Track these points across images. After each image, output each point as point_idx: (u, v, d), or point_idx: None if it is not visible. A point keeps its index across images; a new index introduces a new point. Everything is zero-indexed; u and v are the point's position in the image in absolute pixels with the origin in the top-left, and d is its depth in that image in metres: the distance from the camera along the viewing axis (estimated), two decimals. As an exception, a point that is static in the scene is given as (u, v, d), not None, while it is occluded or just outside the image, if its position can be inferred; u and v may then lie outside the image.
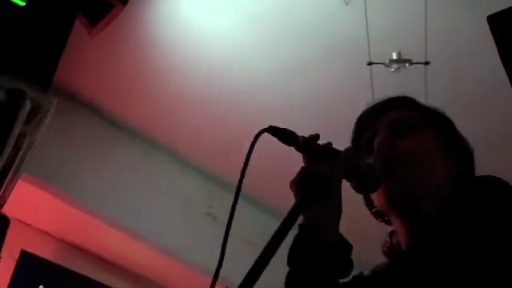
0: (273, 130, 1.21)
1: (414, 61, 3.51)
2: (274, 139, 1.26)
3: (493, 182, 1.24)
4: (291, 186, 1.24)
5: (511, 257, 1.11)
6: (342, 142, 1.32)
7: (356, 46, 3.67)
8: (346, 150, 1.27)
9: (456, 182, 1.34)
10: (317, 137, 1.26)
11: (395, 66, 3.51)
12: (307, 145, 1.24)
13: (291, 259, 1.22)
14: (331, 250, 1.19)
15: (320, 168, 1.23)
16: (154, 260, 5.13)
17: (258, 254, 1.13)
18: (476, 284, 1.10)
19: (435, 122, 1.41)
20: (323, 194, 1.21)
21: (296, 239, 1.22)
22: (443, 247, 1.15)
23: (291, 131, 1.23)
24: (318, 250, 1.19)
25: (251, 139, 1.20)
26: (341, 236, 1.25)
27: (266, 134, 1.22)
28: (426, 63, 3.53)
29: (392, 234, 1.40)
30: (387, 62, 3.52)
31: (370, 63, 3.55)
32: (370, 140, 1.38)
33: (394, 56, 3.52)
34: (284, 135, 1.22)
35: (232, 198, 1.20)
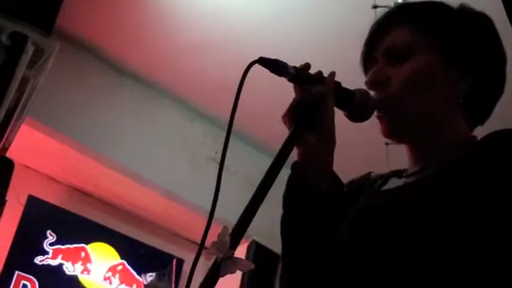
0: (263, 61, 1.19)
1: (419, 4, 3.46)
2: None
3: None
4: (284, 119, 1.22)
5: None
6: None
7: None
8: (329, 75, 1.24)
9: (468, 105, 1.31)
10: (307, 66, 1.24)
11: (400, 9, 3.45)
12: (298, 74, 1.22)
13: (285, 204, 1.21)
14: (324, 196, 1.17)
15: (312, 97, 1.20)
16: (159, 204, 5.17)
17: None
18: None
19: (439, 39, 1.31)
20: (316, 124, 1.19)
21: (289, 181, 1.21)
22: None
23: (282, 61, 1.21)
24: (311, 196, 1.17)
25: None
26: (333, 173, 1.22)
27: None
28: (432, 6, 3.47)
29: None
30: (392, 5, 3.47)
31: (374, 6, 3.49)
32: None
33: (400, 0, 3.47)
34: (274, 65, 1.20)
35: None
